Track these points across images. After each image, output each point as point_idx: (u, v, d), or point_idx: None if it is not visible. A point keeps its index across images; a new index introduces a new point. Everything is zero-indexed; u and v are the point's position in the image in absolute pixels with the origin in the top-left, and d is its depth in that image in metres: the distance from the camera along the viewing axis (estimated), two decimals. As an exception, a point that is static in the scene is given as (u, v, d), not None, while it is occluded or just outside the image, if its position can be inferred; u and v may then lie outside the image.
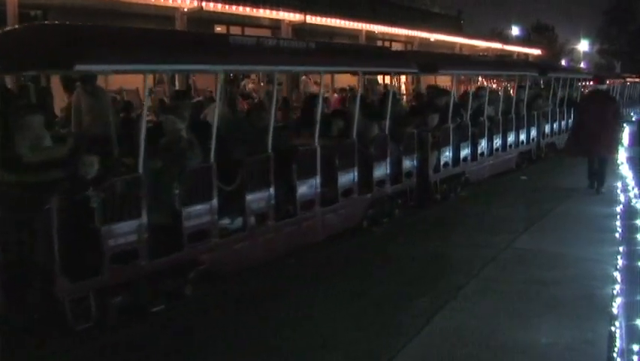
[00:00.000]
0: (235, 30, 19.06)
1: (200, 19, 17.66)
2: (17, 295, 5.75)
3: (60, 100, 12.09)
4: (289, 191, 8.19)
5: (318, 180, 8.53)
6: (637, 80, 38.42)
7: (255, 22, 20.30)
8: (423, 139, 11.10)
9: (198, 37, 8.52)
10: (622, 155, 14.96)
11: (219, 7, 17.80)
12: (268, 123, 7.96)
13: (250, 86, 19.90)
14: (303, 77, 19.48)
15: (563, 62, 52.07)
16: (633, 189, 11.19)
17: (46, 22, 11.64)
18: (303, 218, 8.34)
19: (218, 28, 19.28)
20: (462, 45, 31.36)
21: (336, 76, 14.63)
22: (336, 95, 17.50)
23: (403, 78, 23.34)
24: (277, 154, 7.85)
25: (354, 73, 10.45)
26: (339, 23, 22.71)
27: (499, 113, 14.50)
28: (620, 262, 7.20)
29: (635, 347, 4.85)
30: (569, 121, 19.40)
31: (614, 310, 5.85)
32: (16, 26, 8.82)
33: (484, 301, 6.63)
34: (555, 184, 13.45)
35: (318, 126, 8.62)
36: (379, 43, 25.67)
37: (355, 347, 5.64)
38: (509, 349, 5.48)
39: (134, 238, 6.17)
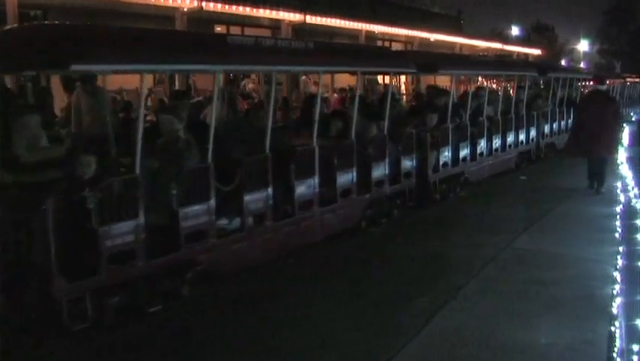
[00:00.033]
0: (235, 30, 19.05)
1: (200, 19, 17.64)
2: (15, 296, 5.73)
3: (60, 100, 12.08)
4: (287, 191, 8.17)
5: (316, 180, 8.51)
6: (637, 80, 38.42)
7: (254, 22, 20.28)
8: (422, 139, 11.08)
9: (196, 37, 8.49)
10: (622, 155, 14.96)
11: (219, 7, 17.78)
12: (267, 123, 7.94)
13: (250, 86, 19.89)
14: (303, 77, 19.46)
15: (563, 62, 52.06)
16: (633, 189, 11.18)
17: (42, 21, 11.63)
18: (302, 218, 8.32)
19: (218, 28, 19.27)
20: (462, 45, 31.35)
21: (336, 76, 14.62)
22: (335, 95, 17.48)
23: (403, 78, 23.34)
24: (275, 154, 7.83)
25: (352, 73, 10.43)
26: (339, 23, 22.69)
27: (499, 114, 14.48)
28: (619, 262, 7.19)
29: (635, 347, 4.84)
30: (569, 121, 19.39)
31: (614, 311, 5.84)
32: (13, 26, 8.81)
33: (484, 302, 6.62)
34: (555, 184, 13.44)
35: (316, 126, 8.60)
36: (379, 43, 25.66)
37: (354, 348, 5.62)
38: (509, 349, 5.47)
39: (131, 238, 6.15)
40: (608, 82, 19.94)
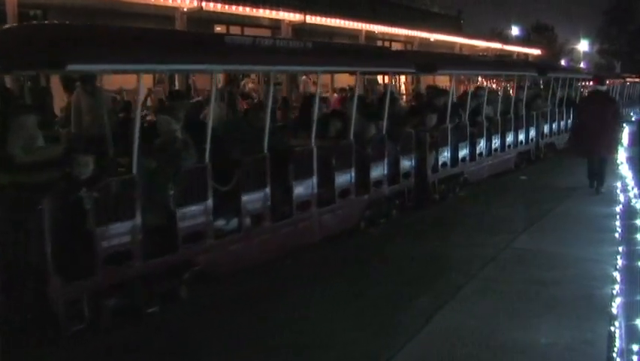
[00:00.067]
0: (235, 30, 19.04)
1: (200, 19, 17.64)
2: (11, 297, 5.69)
3: (60, 100, 12.08)
4: (285, 192, 8.14)
5: (314, 180, 8.48)
6: (636, 80, 38.43)
7: (254, 22, 20.28)
8: (421, 139, 11.06)
9: (194, 37, 8.47)
10: (621, 155, 14.96)
11: (219, 7, 17.77)
12: (266, 123, 7.92)
13: (250, 85, 19.87)
14: (304, 76, 19.46)
15: (563, 62, 52.05)
16: (633, 189, 11.19)
17: (38, 21, 11.61)
18: (300, 219, 8.29)
19: (218, 28, 19.26)
20: (462, 45, 31.35)
21: (336, 76, 14.62)
22: (336, 95, 17.48)
23: (403, 78, 23.34)
24: (273, 154, 7.80)
25: (351, 73, 10.41)
26: (339, 23, 22.68)
27: (498, 114, 14.48)
28: (619, 262, 7.19)
29: (635, 347, 4.84)
30: (568, 121, 19.39)
31: (614, 310, 5.83)
32: (10, 26, 8.79)
33: (484, 302, 6.61)
34: (554, 184, 13.44)
35: (314, 127, 8.57)
36: (379, 43, 25.65)
37: (354, 348, 5.61)
38: (509, 349, 5.47)
39: (128, 239, 6.12)
40: (607, 82, 19.93)
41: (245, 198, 7.45)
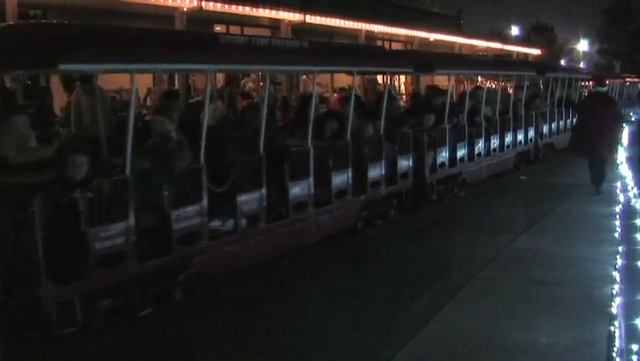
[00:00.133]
0: (235, 30, 19.03)
1: (199, 18, 17.62)
2: (4, 298, 5.64)
3: (60, 100, 12.08)
4: (282, 192, 8.09)
5: (311, 181, 8.44)
6: (636, 80, 38.44)
7: (254, 21, 20.26)
8: (419, 139, 11.03)
9: (189, 37, 8.42)
10: (621, 155, 14.99)
11: (219, 6, 17.76)
12: (264, 123, 7.89)
13: (250, 85, 19.86)
14: (304, 76, 19.45)
15: (563, 62, 52.05)
16: (632, 188, 11.21)
17: (31, 20, 11.58)
18: (296, 220, 8.24)
19: (218, 28, 19.24)
20: (461, 45, 31.34)
21: (336, 76, 14.61)
22: (335, 95, 17.47)
23: (403, 78, 23.33)
24: (269, 155, 7.75)
25: (348, 72, 10.38)
26: (339, 23, 22.66)
27: (497, 113, 14.47)
28: (619, 261, 7.21)
29: (635, 347, 4.86)
30: (568, 121, 19.41)
31: (614, 310, 5.84)
32: (1, 25, 8.73)
33: (484, 302, 6.61)
34: (554, 184, 13.43)
35: (310, 126, 8.52)
36: (379, 43, 25.62)
37: (353, 348, 5.59)
38: (509, 349, 5.46)
39: (122, 240, 6.06)
40: (607, 82, 19.96)
41: (240, 198, 7.39)
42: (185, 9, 17.06)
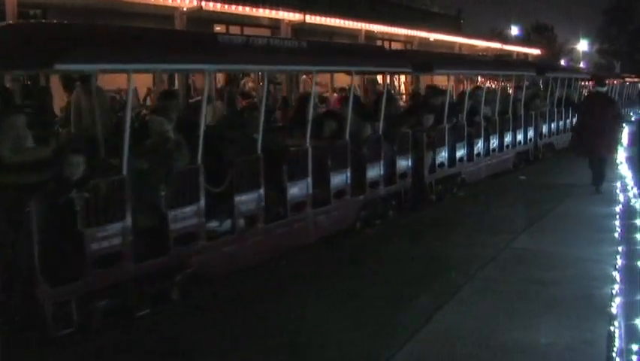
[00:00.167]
0: (234, 30, 19.03)
1: (199, 18, 17.61)
2: (1, 298, 5.63)
3: (60, 100, 12.07)
4: (280, 192, 8.07)
5: (309, 181, 8.42)
6: (636, 80, 38.43)
7: (254, 21, 20.26)
8: (418, 139, 11.01)
9: (186, 37, 8.41)
10: (621, 154, 14.99)
11: (219, 6, 17.76)
12: (265, 123, 7.86)
13: (250, 85, 19.86)
14: (304, 76, 19.46)
15: (563, 62, 52.05)
16: (632, 188, 11.21)
17: (27, 20, 11.56)
18: (294, 220, 8.22)
19: (218, 28, 19.24)
20: (461, 45, 31.34)
21: (336, 76, 14.60)
22: (335, 94, 17.48)
23: (403, 78, 23.32)
24: (267, 155, 7.72)
25: (347, 72, 10.38)
26: (339, 23, 22.66)
27: (496, 113, 14.46)
28: (619, 261, 7.21)
29: (634, 347, 4.85)
30: (567, 121, 19.40)
31: (613, 310, 5.83)
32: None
33: (484, 302, 6.61)
34: (554, 184, 13.43)
35: (309, 126, 8.50)
36: (379, 42, 25.62)
37: (352, 348, 5.58)
38: (509, 349, 5.46)
39: (119, 240, 6.03)
40: (607, 82, 19.96)
41: (238, 199, 7.37)
42: (185, 9, 17.06)
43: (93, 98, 8.48)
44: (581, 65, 58.83)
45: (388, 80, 13.99)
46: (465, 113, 12.87)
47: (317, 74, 9.64)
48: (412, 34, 27.69)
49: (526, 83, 17.10)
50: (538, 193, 12.48)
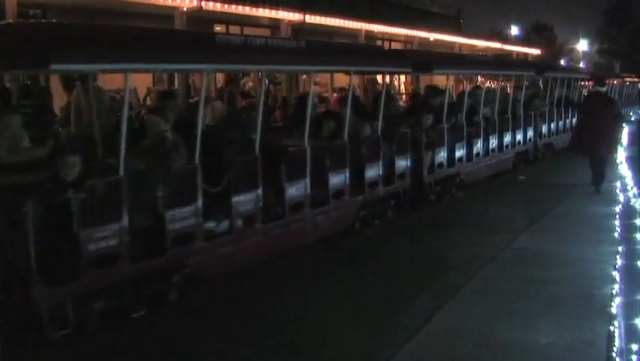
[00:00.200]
0: (234, 29, 19.04)
1: (199, 18, 17.62)
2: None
3: (60, 100, 12.07)
4: (278, 193, 8.04)
5: (307, 181, 8.38)
6: (635, 80, 38.44)
7: (254, 21, 20.26)
8: (417, 139, 10.99)
9: (184, 36, 8.37)
10: (621, 154, 14.99)
11: (219, 6, 17.77)
12: (264, 123, 7.83)
13: (250, 84, 19.87)
14: (304, 76, 19.47)
15: (563, 62, 52.06)
16: (632, 188, 11.22)
17: (23, 20, 11.55)
18: (292, 220, 8.18)
19: (218, 28, 19.25)
20: (461, 45, 31.35)
21: (336, 75, 14.60)
22: (335, 94, 17.49)
23: (403, 78, 23.33)
24: (265, 155, 7.69)
25: (346, 72, 10.37)
26: (339, 23, 22.67)
27: (496, 113, 14.45)
28: (619, 261, 7.21)
29: (634, 347, 4.86)
30: (567, 121, 19.40)
31: (613, 310, 5.83)
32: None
33: (484, 301, 6.60)
34: (553, 184, 13.42)
35: (307, 127, 8.47)
36: (379, 42, 25.64)
37: (352, 348, 5.56)
38: (509, 349, 5.45)
39: (115, 241, 6.00)
40: (607, 82, 19.97)
41: (236, 199, 7.33)
42: (185, 9, 17.06)
43: (91, 98, 8.49)
44: (581, 64, 58.84)
45: (388, 80, 13.96)
46: (464, 113, 12.86)
47: (316, 74, 9.61)
48: (412, 34, 27.70)
49: (525, 82, 17.07)
50: (538, 193, 12.47)
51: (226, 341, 5.79)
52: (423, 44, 28.20)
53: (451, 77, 13.67)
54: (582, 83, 22.18)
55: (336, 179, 8.95)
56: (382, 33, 26.44)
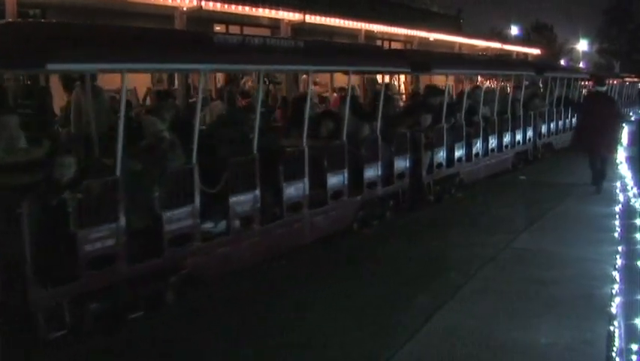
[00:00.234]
0: (234, 29, 19.03)
1: (199, 18, 17.60)
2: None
3: (60, 99, 12.06)
4: (276, 193, 8.01)
5: (306, 181, 8.36)
6: (635, 79, 38.43)
7: (254, 21, 20.25)
8: (416, 139, 10.96)
9: (181, 36, 8.35)
10: (621, 154, 14.99)
11: (218, 6, 17.76)
12: (263, 123, 7.81)
13: (250, 84, 19.86)
14: (304, 75, 19.46)
15: (562, 62, 52.05)
16: (632, 188, 11.21)
17: (21, 19, 11.55)
18: (291, 221, 8.16)
19: (218, 28, 19.25)
20: (461, 44, 31.33)
21: (336, 75, 14.58)
22: (335, 94, 17.47)
23: (403, 78, 23.32)
24: (263, 155, 7.66)
25: (345, 72, 10.36)
26: (339, 23, 22.66)
27: (495, 113, 14.43)
28: (618, 261, 7.21)
29: (634, 347, 4.85)
30: (566, 121, 19.38)
31: (613, 310, 5.83)
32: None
33: (484, 301, 6.60)
34: (553, 184, 13.43)
35: (306, 127, 8.45)
36: (379, 42, 25.64)
37: (353, 348, 5.56)
38: (509, 349, 5.45)
39: (112, 242, 5.97)
40: (607, 81, 19.96)
41: (233, 199, 7.30)
42: (184, 8, 17.04)
43: (90, 98, 8.47)
44: (581, 64, 58.85)
45: (387, 80, 13.94)
46: (463, 113, 12.84)
47: (315, 74, 9.58)
48: (412, 34, 27.68)
49: (525, 82, 17.05)
50: (538, 193, 12.46)
51: (225, 341, 5.78)
52: (423, 44, 28.19)
53: (451, 77, 13.65)
54: (582, 83, 22.17)
55: (335, 179, 8.93)
56: (382, 33, 26.43)
